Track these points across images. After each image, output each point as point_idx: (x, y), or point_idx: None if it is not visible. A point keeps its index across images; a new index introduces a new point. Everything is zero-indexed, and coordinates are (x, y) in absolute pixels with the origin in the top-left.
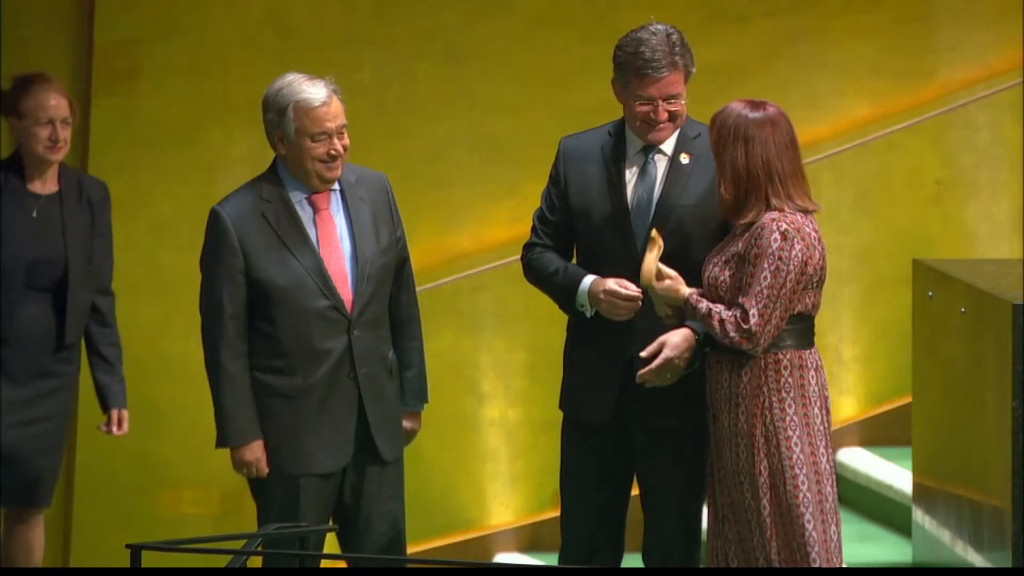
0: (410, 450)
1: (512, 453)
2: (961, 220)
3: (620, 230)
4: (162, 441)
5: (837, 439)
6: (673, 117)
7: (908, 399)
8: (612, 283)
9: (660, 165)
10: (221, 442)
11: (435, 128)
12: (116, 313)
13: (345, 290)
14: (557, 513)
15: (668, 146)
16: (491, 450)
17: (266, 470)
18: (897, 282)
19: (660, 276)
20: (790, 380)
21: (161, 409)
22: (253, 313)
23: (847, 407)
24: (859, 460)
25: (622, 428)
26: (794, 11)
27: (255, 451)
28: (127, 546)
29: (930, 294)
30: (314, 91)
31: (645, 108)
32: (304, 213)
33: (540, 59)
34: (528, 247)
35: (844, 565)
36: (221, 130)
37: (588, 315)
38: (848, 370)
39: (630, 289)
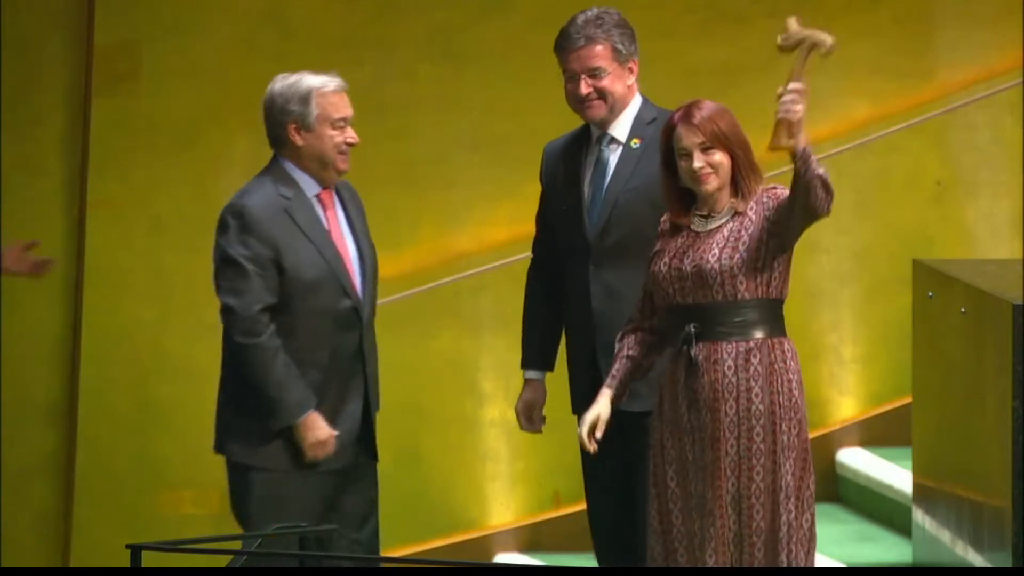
0: (410, 450)
1: (512, 453)
2: (961, 220)
3: (576, 220)
4: (162, 441)
5: (837, 439)
6: (602, 94)
7: (908, 399)
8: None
9: (615, 153)
10: (286, 419)
11: (436, 129)
12: (116, 313)
13: (355, 289)
14: (557, 513)
15: (622, 132)
16: (491, 450)
17: (334, 436)
18: (897, 282)
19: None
20: (793, 364)
21: (161, 409)
22: (274, 307)
23: (847, 407)
24: (859, 460)
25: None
26: (794, 11)
27: (319, 421)
28: (127, 546)
29: (930, 294)
30: (329, 79)
31: (571, 85)
32: (318, 210)
33: (540, 60)
34: (529, 267)
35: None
36: (221, 130)
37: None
38: (848, 370)
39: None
